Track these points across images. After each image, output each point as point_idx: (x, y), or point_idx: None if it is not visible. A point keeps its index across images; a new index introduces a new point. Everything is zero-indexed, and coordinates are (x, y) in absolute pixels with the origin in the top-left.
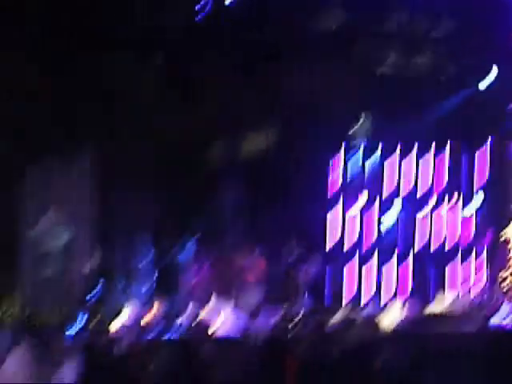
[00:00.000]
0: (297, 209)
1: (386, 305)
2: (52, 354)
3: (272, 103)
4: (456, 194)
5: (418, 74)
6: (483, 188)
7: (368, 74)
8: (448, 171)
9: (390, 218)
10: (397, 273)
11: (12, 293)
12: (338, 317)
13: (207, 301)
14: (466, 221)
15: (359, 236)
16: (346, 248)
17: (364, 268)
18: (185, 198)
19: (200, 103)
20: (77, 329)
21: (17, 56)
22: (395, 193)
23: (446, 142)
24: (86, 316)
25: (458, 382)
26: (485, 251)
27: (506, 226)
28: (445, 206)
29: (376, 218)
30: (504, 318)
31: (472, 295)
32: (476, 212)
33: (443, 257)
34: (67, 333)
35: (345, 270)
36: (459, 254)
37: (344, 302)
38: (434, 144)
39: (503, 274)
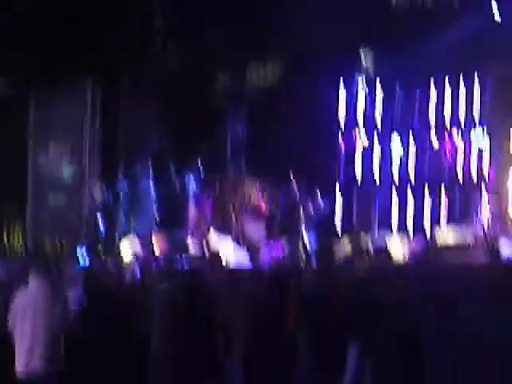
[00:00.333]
0: (302, 141)
1: (394, 237)
2: (59, 281)
3: (274, 37)
4: (462, 126)
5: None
6: (487, 122)
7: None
8: (455, 103)
9: (398, 150)
10: (406, 204)
11: (20, 223)
12: (346, 248)
13: (209, 233)
14: (472, 154)
15: (366, 168)
16: (352, 180)
17: (374, 199)
18: (189, 129)
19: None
20: (82, 259)
21: None
22: (401, 124)
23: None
24: (91, 246)
25: (467, 315)
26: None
27: None
28: (453, 138)
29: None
30: None
31: (483, 227)
32: (480, 145)
33: (452, 188)
34: (73, 262)
35: (353, 201)
36: (468, 186)
37: (352, 234)
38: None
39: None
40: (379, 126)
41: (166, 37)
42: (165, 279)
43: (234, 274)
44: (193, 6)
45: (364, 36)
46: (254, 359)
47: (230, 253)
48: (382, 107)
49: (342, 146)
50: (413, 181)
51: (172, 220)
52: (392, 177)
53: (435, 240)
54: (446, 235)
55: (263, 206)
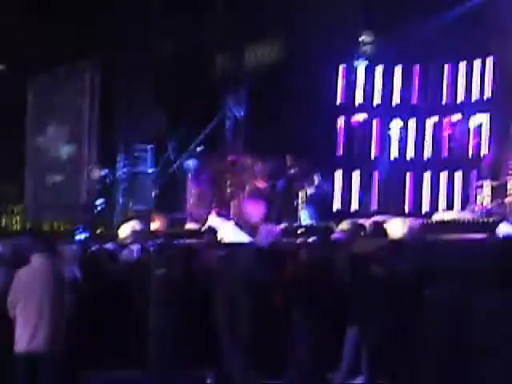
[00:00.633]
0: (302, 121)
1: (394, 212)
2: (59, 261)
3: (278, 14)
4: (462, 105)
5: None
6: (488, 101)
7: None
8: (455, 82)
9: (397, 127)
10: (404, 181)
11: (19, 204)
12: (344, 225)
13: (208, 214)
14: (472, 132)
15: (367, 145)
16: (353, 157)
17: (374, 176)
18: (188, 110)
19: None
20: (81, 236)
21: None
22: (402, 102)
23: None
24: (89, 226)
25: (466, 289)
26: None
27: None
28: (453, 119)
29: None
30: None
31: (481, 204)
32: (481, 124)
33: (450, 166)
34: (72, 242)
35: (353, 178)
36: (467, 164)
37: (350, 213)
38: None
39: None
40: (379, 106)
41: (165, 17)
42: (163, 259)
43: (232, 251)
44: None
45: (364, 15)
46: (253, 336)
47: (230, 233)
48: (381, 87)
49: (342, 126)
50: (412, 161)
51: (171, 201)
52: (391, 157)
53: (433, 218)
54: (446, 215)
55: (262, 186)
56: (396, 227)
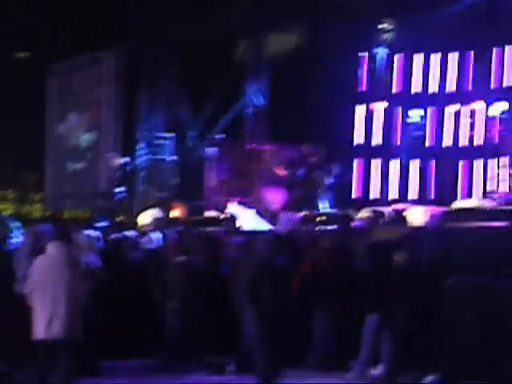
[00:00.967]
0: (322, 109)
1: (413, 201)
2: (78, 248)
3: (299, 2)
4: (482, 93)
5: None
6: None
7: None
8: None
9: (417, 115)
10: (421, 169)
11: (40, 190)
12: (364, 213)
13: (228, 201)
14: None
15: (386, 132)
16: (370, 148)
17: (392, 164)
18: (209, 97)
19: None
20: (101, 224)
21: None
22: (422, 90)
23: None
24: (109, 214)
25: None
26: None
27: None
28: (473, 108)
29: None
30: None
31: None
32: (504, 111)
33: (471, 154)
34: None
35: (372, 166)
36: (487, 152)
37: (368, 202)
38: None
39: None
40: (399, 94)
41: (187, 5)
42: (183, 247)
43: (253, 238)
44: None
45: (385, 2)
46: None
47: (250, 221)
48: (401, 75)
49: (363, 114)
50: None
51: (191, 189)
52: (411, 146)
53: (453, 206)
54: (466, 203)
55: (283, 174)
56: (417, 215)
